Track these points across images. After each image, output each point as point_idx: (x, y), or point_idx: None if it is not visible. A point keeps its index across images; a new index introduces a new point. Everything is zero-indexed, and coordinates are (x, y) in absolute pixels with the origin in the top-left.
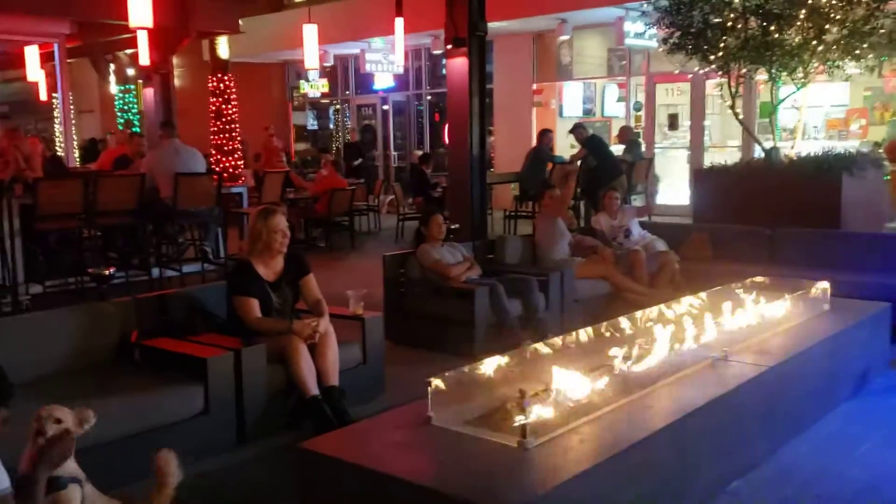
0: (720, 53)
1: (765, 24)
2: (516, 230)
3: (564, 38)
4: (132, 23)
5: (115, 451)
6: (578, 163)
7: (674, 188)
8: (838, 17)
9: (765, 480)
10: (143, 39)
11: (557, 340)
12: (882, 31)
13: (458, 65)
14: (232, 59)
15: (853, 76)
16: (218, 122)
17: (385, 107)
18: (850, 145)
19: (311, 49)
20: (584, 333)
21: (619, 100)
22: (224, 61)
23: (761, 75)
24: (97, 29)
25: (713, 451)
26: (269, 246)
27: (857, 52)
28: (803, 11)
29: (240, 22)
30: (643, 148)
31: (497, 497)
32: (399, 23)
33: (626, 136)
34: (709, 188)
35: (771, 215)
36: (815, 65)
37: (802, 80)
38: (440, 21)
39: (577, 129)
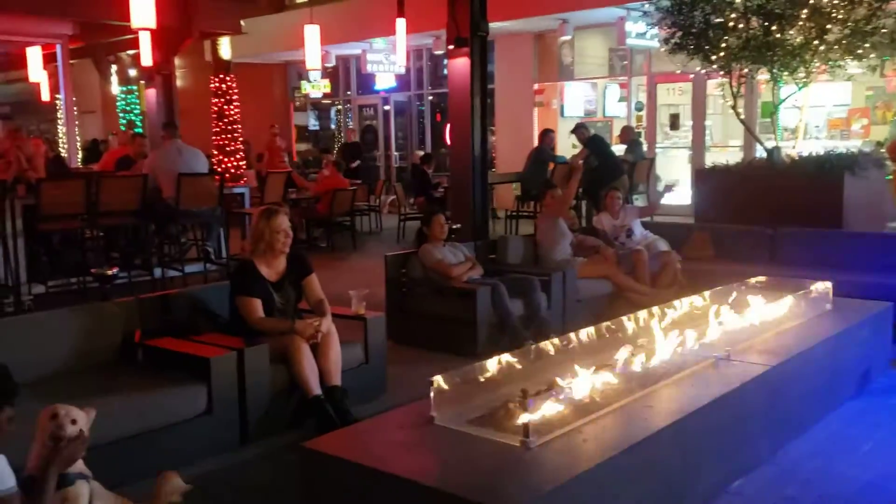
0: (722, 53)
1: (766, 23)
2: (518, 230)
3: (566, 38)
4: (134, 23)
5: (118, 451)
6: (581, 162)
7: (675, 188)
8: (840, 16)
9: (767, 480)
10: (145, 40)
11: (559, 340)
12: (884, 30)
13: (460, 65)
14: (234, 59)
15: (855, 76)
16: (220, 123)
17: (386, 107)
18: (852, 145)
19: (313, 49)
20: (586, 333)
21: (621, 100)
22: (226, 62)
23: (763, 75)
24: (99, 30)
25: (715, 451)
26: (271, 246)
27: (859, 51)
28: (805, 11)
29: (242, 23)
30: (645, 148)
31: (500, 496)
32: (400, 23)
33: (628, 136)
34: (710, 188)
35: (773, 215)
36: (817, 64)
37: (804, 80)
38: (441, 21)
39: (578, 130)
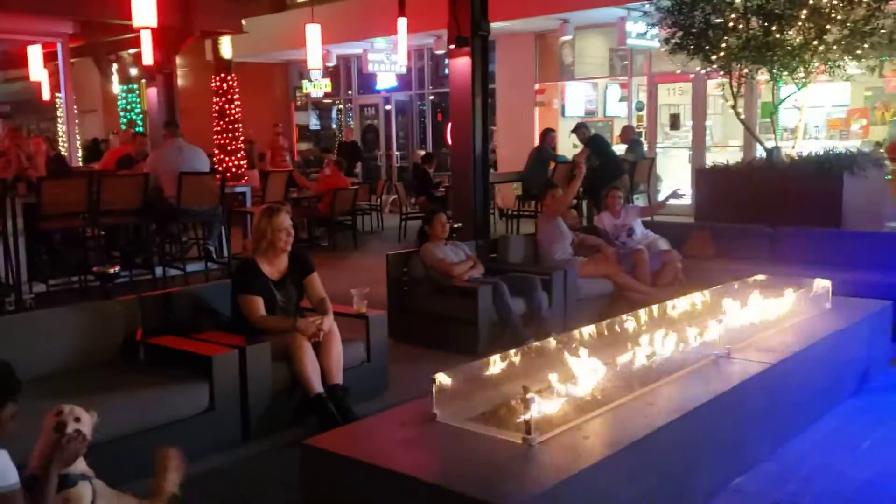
0: (722, 53)
1: (766, 24)
2: (518, 230)
3: (566, 38)
4: (136, 22)
5: (120, 449)
6: (585, 166)
7: (675, 187)
8: (839, 17)
9: (767, 477)
10: (146, 39)
11: (560, 338)
12: (883, 31)
13: (461, 64)
14: (235, 58)
15: (854, 76)
16: (221, 122)
17: (388, 107)
18: (851, 145)
19: (314, 49)
20: (587, 331)
21: (621, 100)
22: (227, 61)
23: (762, 75)
24: (100, 28)
25: (716, 448)
26: (273, 244)
27: (858, 52)
28: (804, 11)
29: (243, 22)
30: (645, 147)
31: (502, 493)
32: (402, 23)
33: (628, 135)
34: (711, 187)
35: (772, 214)
36: (816, 65)
37: (803, 80)
38: (443, 21)
39: (579, 129)
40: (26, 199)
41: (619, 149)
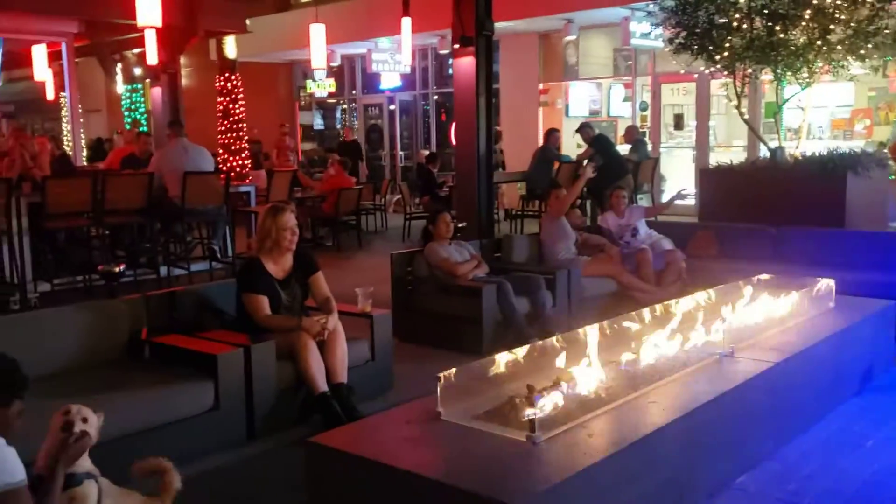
0: (725, 53)
1: (770, 24)
2: (522, 230)
3: (570, 38)
4: (140, 22)
5: (125, 447)
6: (590, 168)
7: (679, 187)
8: (843, 17)
9: (770, 475)
10: (150, 39)
11: (564, 337)
12: (886, 31)
13: (465, 64)
14: (239, 58)
15: (858, 76)
16: (225, 122)
17: (392, 106)
18: (855, 145)
19: (319, 49)
20: (592, 330)
21: (625, 100)
22: (231, 61)
23: (766, 75)
24: (105, 28)
25: (719, 447)
26: (278, 243)
27: (862, 52)
28: (808, 12)
29: (247, 22)
30: (649, 147)
31: (506, 490)
32: (406, 22)
33: (632, 135)
34: (714, 187)
35: (776, 214)
36: (820, 65)
37: (807, 80)
38: (447, 21)
39: (583, 129)
40: (31, 198)
41: (623, 149)
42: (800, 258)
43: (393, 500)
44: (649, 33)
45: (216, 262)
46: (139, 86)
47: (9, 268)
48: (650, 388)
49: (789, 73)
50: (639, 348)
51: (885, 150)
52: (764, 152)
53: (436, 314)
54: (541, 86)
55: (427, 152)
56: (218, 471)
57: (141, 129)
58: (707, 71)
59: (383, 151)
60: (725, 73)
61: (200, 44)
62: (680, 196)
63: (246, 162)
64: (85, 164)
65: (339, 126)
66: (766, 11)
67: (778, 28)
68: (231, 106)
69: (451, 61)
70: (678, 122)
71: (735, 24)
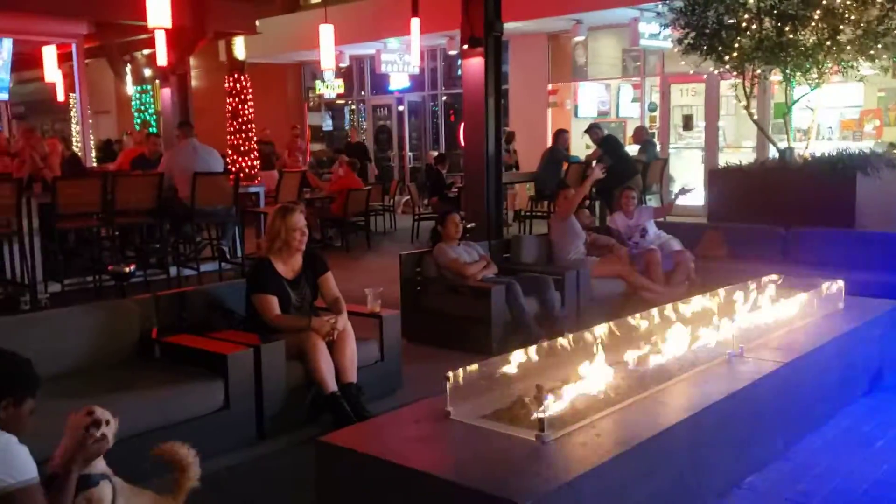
0: (735, 54)
1: (779, 24)
2: (531, 230)
3: (579, 38)
4: (150, 23)
5: (136, 446)
6: (594, 163)
7: (691, 190)
8: (852, 17)
9: (779, 475)
10: (160, 40)
11: (573, 337)
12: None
13: (474, 65)
14: (248, 59)
15: (867, 77)
16: (234, 123)
17: (400, 107)
18: (865, 146)
19: (328, 49)
20: (600, 330)
21: (634, 100)
22: (240, 62)
23: (776, 76)
24: (115, 29)
25: (728, 447)
26: (287, 244)
27: (872, 52)
28: (817, 12)
29: (256, 23)
30: (658, 148)
31: (515, 489)
32: (415, 23)
33: (641, 136)
34: (723, 188)
35: (785, 215)
36: (830, 65)
37: (816, 81)
38: (456, 21)
39: (592, 130)
40: (41, 198)
41: (632, 149)
42: (809, 259)
43: (402, 499)
44: (658, 34)
45: (225, 262)
46: (149, 87)
47: (20, 268)
48: (659, 387)
49: (799, 74)
50: (647, 348)
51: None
52: (773, 153)
53: (445, 314)
54: (550, 86)
55: (436, 153)
56: (228, 470)
57: (150, 130)
58: (716, 71)
59: (392, 152)
60: (735, 73)
61: (210, 45)
62: (684, 192)
63: (255, 163)
64: (95, 165)
65: (347, 127)
66: (775, 12)
67: (787, 28)
68: (240, 107)
69: (459, 62)
70: (687, 123)
71: (744, 24)
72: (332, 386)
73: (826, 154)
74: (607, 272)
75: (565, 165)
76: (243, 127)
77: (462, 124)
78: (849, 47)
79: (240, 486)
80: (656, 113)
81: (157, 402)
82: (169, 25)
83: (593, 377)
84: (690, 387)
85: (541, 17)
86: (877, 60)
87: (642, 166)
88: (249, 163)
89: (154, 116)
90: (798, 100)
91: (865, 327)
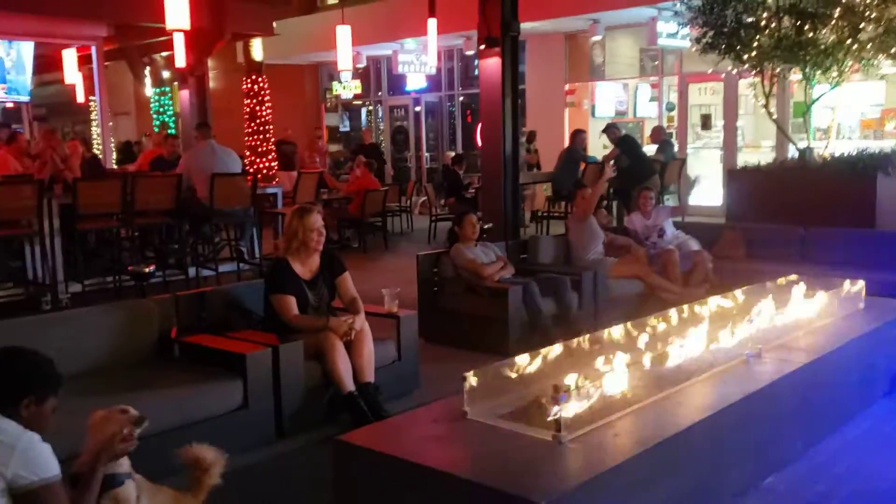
0: (753, 53)
1: (798, 22)
2: (548, 231)
3: (597, 38)
4: (169, 25)
5: (158, 444)
6: (612, 166)
7: (706, 188)
8: (873, 15)
9: (799, 476)
10: (179, 42)
11: (591, 338)
12: None
13: (491, 65)
14: (266, 60)
15: (888, 75)
16: (252, 124)
17: (417, 108)
18: (886, 145)
19: (345, 50)
20: (618, 331)
21: (652, 100)
22: (258, 63)
23: (795, 75)
24: (134, 32)
25: (747, 447)
26: (305, 244)
27: (893, 50)
28: (838, 10)
29: (273, 24)
30: (676, 148)
31: (532, 488)
32: (432, 23)
33: (659, 136)
34: (742, 188)
35: (805, 215)
36: (850, 64)
37: (837, 80)
38: (473, 22)
39: (609, 130)
40: (62, 199)
41: (650, 149)
42: (829, 259)
43: (419, 498)
44: (676, 33)
45: (243, 263)
46: (167, 88)
47: (41, 268)
48: (677, 388)
49: (818, 73)
50: (665, 349)
51: None
52: (793, 153)
53: (461, 315)
54: (567, 86)
55: (453, 154)
56: (246, 468)
57: (169, 131)
58: (735, 70)
59: (409, 153)
60: (753, 72)
61: (228, 46)
62: (693, 184)
63: (272, 164)
64: (114, 166)
65: (364, 128)
66: (794, 10)
67: (807, 27)
68: (258, 108)
69: (476, 62)
70: (705, 123)
71: (763, 22)
72: (350, 385)
73: (846, 154)
74: (625, 273)
75: (582, 166)
76: (261, 128)
77: (479, 125)
78: (869, 45)
79: (258, 484)
80: (674, 112)
81: (177, 401)
82: (187, 27)
83: (610, 378)
84: (708, 388)
85: (558, 16)
86: None
87: (660, 166)
88: (267, 163)
89: (173, 118)
90: (817, 99)
91: (886, 328)
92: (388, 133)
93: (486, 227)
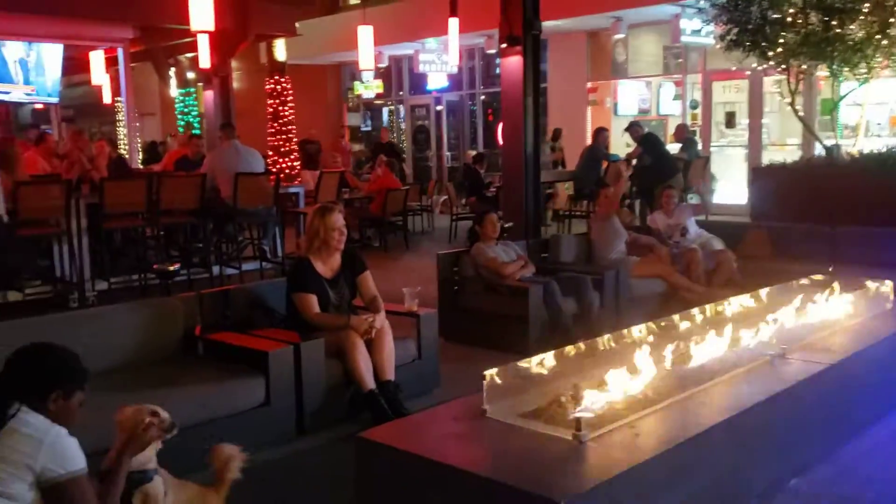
0: (779, 49)
1: (826, 18)
2: (570, 230)
3: (619, 36)
4: (194, 26)
5: (180, 440)
6: (630, 164)
7: (731, 187)
8: None
9: (824, 478)
10: (203, 43)
11: (612, 337)
12: None
13: (513, 63)
14: (288, 61)
15: None
16: (275, 124)
17: (439, 107)
18: None
19: (366, 50)
20: (640, 330)
21: (675, 98)
22: (281, 63)
23: (822, 71)
24: (159, 33)
25: (771, 448)
26: (326, 243)
27: None
28: (866, 5)
29: (296, 25)
30: (699, 146)
31: (552, 487)
32: (453, 23)
33: (683, 134)
34: (768, 186)
35: (832, 214)
36: (879, 59)
37: (865, 76)
38: (494, 21)
39: (632, 128)
40: (89, 199)
41: (674, 147)
42: (857, 258)
43: (439, 495)
44: (700, 30)
45: (266, 261)
46: (192, 89)
47: (69, 267)
48: (699, 388)
49: (846, 69)
50: (688, 348)
51: None
52: (819, 150)
53: (482, 314)
54: (589, 84)
55: (474, 152)
56: (268, 464)
57: (193, 131)
58: (760, 68)
59: (430, 152)
60: (779, 69)
61: (251, 47)
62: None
63: (295, 163)
64: (140, 166)
65: (386, 127)
66: (821, 5)
67: (834, 22)
68: (280, 108)
69: (498, 61)
70: (730, 121)
71: (789, 18)
72: (371, 383)
73: (875, 151)
74: (647, 272)
75: (605, 164)
76: (283, 128)
77: (500, 123)
78: None
79: (279, 480)
80: (698, 110)
81: (201, 397)
82: (211, 28)
83: (632, 377)
84: (731, 388)
85: (580, 14)
86: None
87: (683, 164)
88: (290, 163)
89: (197, 118)
90: (845, 96)
91: None
92: (409, 132)
93: (506, 225)
